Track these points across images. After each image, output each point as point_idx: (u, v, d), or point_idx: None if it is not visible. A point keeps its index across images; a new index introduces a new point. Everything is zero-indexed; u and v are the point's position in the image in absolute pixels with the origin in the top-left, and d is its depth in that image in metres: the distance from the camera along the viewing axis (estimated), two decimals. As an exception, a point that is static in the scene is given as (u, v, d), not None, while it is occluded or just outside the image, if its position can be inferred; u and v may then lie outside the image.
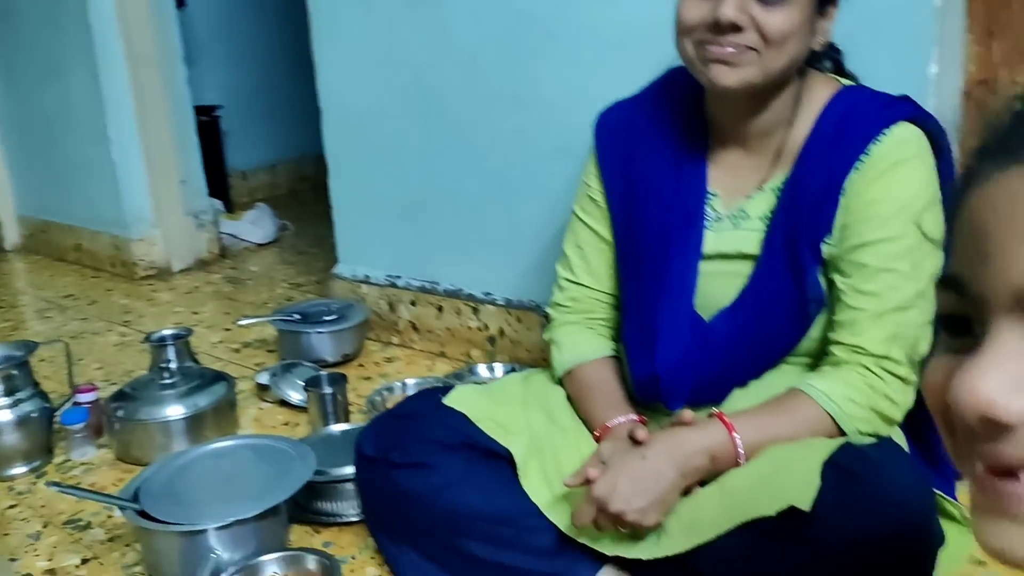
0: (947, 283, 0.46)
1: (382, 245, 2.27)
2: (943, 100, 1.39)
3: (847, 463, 0.99)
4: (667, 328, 1.23)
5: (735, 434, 1.09)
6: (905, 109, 1.15)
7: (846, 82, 1.23)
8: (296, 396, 1.96)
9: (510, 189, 1.94)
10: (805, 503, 0.95)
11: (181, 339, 1.91)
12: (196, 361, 1.98)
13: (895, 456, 1.09)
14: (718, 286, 1.23)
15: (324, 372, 1.93)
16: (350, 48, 2.15)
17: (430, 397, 1.32)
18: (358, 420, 1.83)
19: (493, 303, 2.06)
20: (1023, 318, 0.42)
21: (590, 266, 1.35)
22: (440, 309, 2.17)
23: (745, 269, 1.21)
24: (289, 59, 4.00)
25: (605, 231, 1.33)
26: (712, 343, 1.21)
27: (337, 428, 1.79)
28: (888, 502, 0.96)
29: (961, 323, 0.45)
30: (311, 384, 1.85)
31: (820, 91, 1.19)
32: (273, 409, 1.99)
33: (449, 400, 1.27)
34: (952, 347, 0.46)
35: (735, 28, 1.07)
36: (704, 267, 1.23)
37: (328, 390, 1.82)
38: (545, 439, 1.26)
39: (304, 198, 4.17)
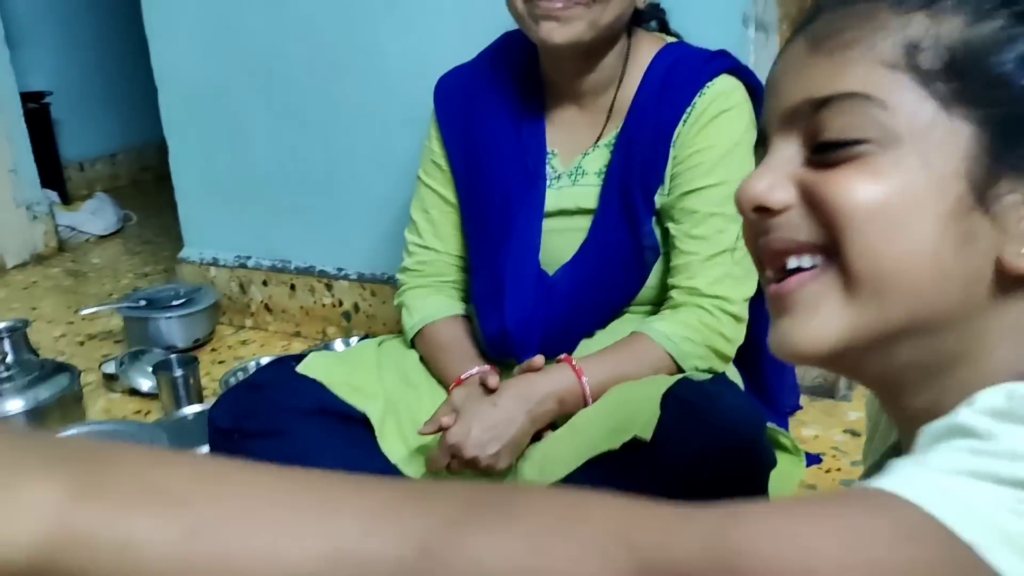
0: (759, 139, 0.58)
1: (230, 226, 2.21)
2: (759, 53, 1.48)
3: (685, 395, 1.05)
4: (514, 284, 1.26)
5: (583, 378, 1.14)
6: (725, 62, 1.22)
7: (671, 39, 1.29)
8: (146, 383, 1.90)
9: (357, 162, 1.93)
10: (646, 433, 1.01)
11: (17, 331, 1.82)
12: (36, 355, 1.89)
13: (729, 389, 1.16)
14: (561, 242, 1.27)
15: (174, 355, 1.88)
16: (184, 23, 2.08)
17: (284, 366, 1.30)
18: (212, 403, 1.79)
19: (346, 278, 2.05)
20: (788, 131, 0.55)
21: (437, 229, 1.37)
22: (293, 288, 2.14)
23: (585, 224, 1.26)
24: (124, 41, 3.80)
25: (450, 194, 1.36)
26: (557, 296, 1.26)
27: (190, 410, 1.75)
28: (722, 429, 1.03)
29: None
30: (160, 368, 1.79)
31: (646, 48, 1.25)
32: (123, 399, 1.92)
33: (303, 367, 1.26)
34: None
35: None
36: (546, 224, 1.27)
37: (179, 372, 1.77)
38: (400, 400, 1.27)
39: (148, 188, 4.00)
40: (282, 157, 2.05)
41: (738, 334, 1.20)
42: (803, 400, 1.62)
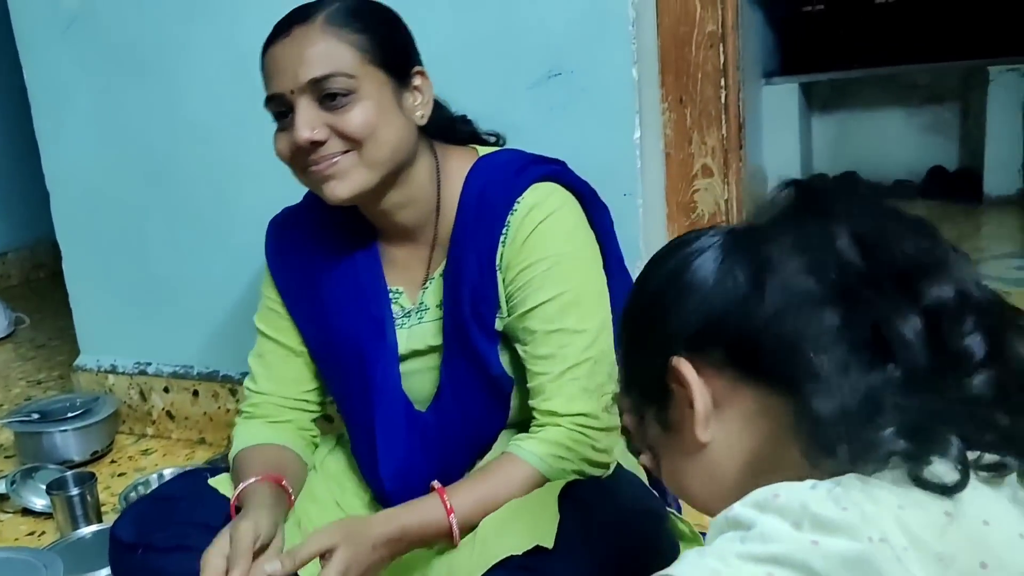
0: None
1: (128, 332, 2.17)
2: (647, 161, 1.56)
3: (581, 495, 1.06)
4: (383, 436, 1.23)
5: (451, 516, 1.09)
6: (535, 171, 1.19)
7: (485, 149, 1.25)
8: (40, 502, 1.82)
9: (257, 264, 1.92)
10: (548, 540, 1.02)
11: None
12: (-85, 477, 1.79)
13: (626, 482, 1.18)
14: (422, 381, 1.25)
15: (70, 472, 1.81)
16: (76, 124, 2.06)
17: (195, 478, 1.27)
18: (112, 520, 1.72)
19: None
20: None
21: (272, 373, 1.32)
22: (196, 394, 2.10)
23: (438, 360, 1.24)
24: (11, 139, 3.72)
25: (289, 340, 1.31)
26: (429, 433, 1.24)
27: (88, 530, 1.68)
28: (622, 526, 1.04)
29: None
30: (55, 487, 1.72)
31: (458, 166, 1.21)
32: (14, 519, 1.83)
33: (215, 482, 1.24)
34: None
35: (318, 143, 1.09)
36: (405, 366, 1.25)
37: (75, 491, 1.71)
38: (304, 515, 1.25)
39: (41, 288, 3.88)
40: (181, 260, 2.03)
41: (611, 441, 1.17)
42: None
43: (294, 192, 1.87)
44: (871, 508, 0.52)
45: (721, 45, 1.53)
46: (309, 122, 1.09)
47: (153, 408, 2.16)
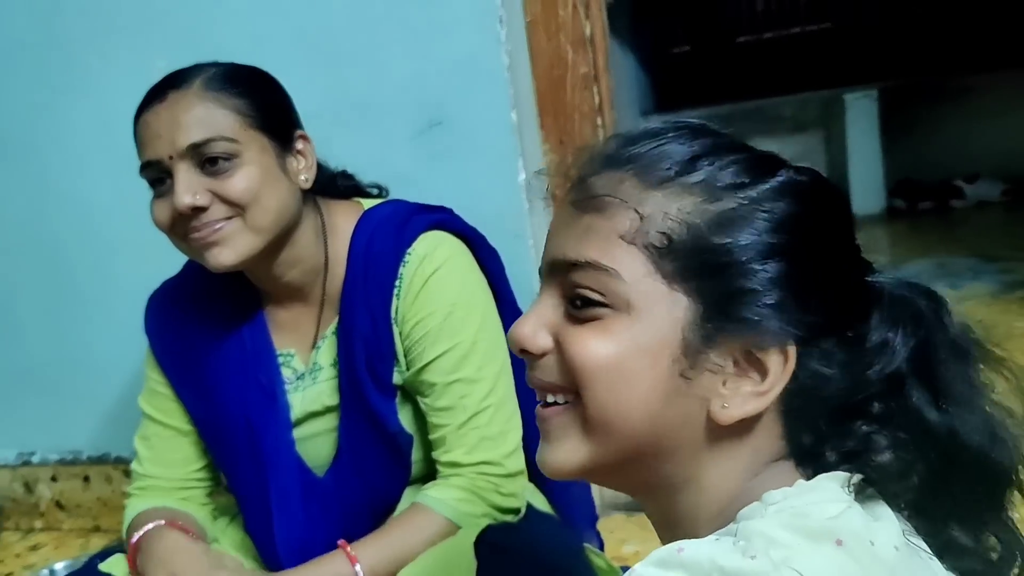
0: (565, 265, 0.62)
1: (8, 421, 2.04)
2: (534, 201, 1.58)
3: (497, 539, 1.05)
4: (279, 506, 1.20)
5: (356, 566, 1.08)
6: (422, 221, 1.19)
7: (370, 202, 1.25)
8: (-83, 614, 1.69)
9: (143, 339, 1.86)
10: (469, 587, 1.01)
11: None
12: None
13: (540, 521, 1.18)
14: (319, 445, 1.23)
15: (-51, 578, 1.68)
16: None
17: (86, 570, 1.21)
18: (0, 624, 1.61)
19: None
20: (552, 281, 0.62)
21: (159, 456, 1.29)
22: (87, 479, 1.99)
23: (336, 421, 1.21)
24: None
25: (175, 420, 1.27)
26: (329, 499, 1.21)
27: (-27, 639, 1.57)
28: (541, 565, 1.05)
29: None
30: (-66, 595, 1.60)
31: (344, 221, 1.20)
32: None
33: (106, 566, 1.18)
34: None
35: (200, 209, 1.07)
36: (300, 431, 1.22)
37: (-44, 597, 1.59)
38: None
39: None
40: (60, 340, 1.93)
41: (516, 486, 1.16)
42: (620, 517, 1.67)
43: (177, 263, 1.83)
44: (777, 553, 0.51)
45: (595, 86, 1.58)
46: (190, 187, 1.06)
47: (40, 499, 2.04)
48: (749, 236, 0.58)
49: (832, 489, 0.57)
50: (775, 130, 4.66)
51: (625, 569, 1.36)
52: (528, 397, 1.22)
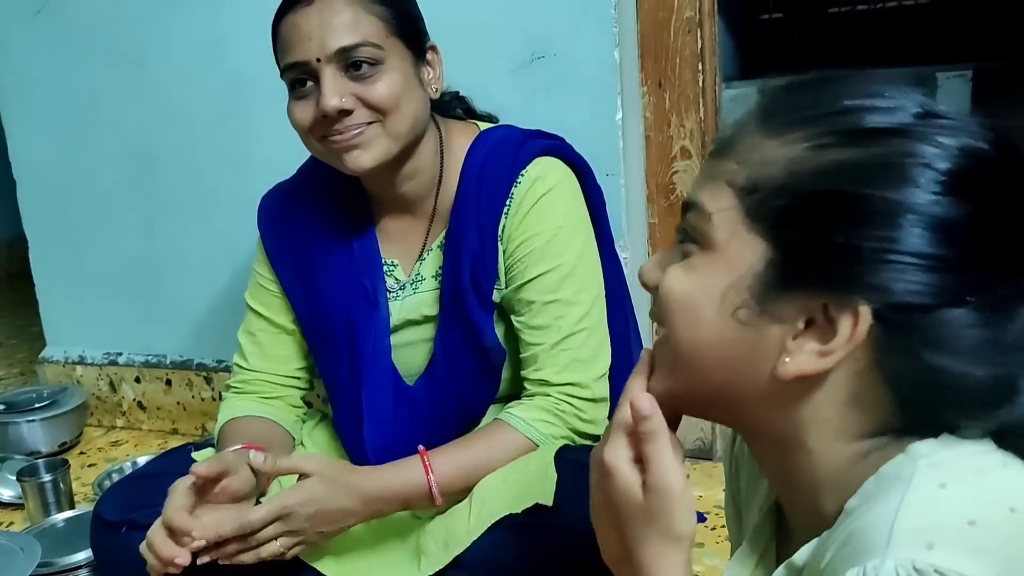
0: (684, 206, 0.64)
1: (98, 322, 2.13)
2: (628, 142, 1.59)
3: (576, 457, 1.08)
4: (370, 410, 1.24)
5: (431, 477, 1.10)
6: (537, 145, 1.21)
7: (485, 125, 1.28)
8: (8, 492, 1.79)
9: (237, 250, 1.91)
10: (547, 499, 1.03)
11: None
12: None
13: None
14: (414, 353, 1.26)
15: (41, 460, 1.78)
16: (47, 112, 2.03)
17: (180, 453, 1.27)
18: (86, 508, 1.69)
19: (227, 370, 2.00)
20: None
21: (264, 351, 1.32)
22: (169, 383, 2.07)
23: (433, 332, 1.25)
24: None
25: (281, 318, 1.31)
26: (419, 407, 1.25)
27: (61, 517, 1.66)
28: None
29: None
30: (26, 474, 1.69)
31: (460, 140, 1.23)
32: (-19, 511, 1.79)
33: (200, 455, 1.23)
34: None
35: (345, 112, 1.09)
36: (397, 338, 1.26)
37: (47, 477, 1.68)
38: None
39: (-5, 289, 3.79)
40: (155, 248, 2.01)
41: (599, 412, 1.18)
42: (685, 463, 1.68)
43: (272, 179, 1.88)
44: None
45: (699, 31, 1.57)
46: (337, 90, 1.09)
47: (123, 399, 2.13)
48: (876, 188, 0.55)
49: (982, 443, 0.56)
50: (861, 105, 4.56)
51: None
52: (617, 332, 1.24)
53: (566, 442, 1.16)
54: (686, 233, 0.62)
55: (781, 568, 0.63)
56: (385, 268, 1.27)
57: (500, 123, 1.34)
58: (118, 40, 1.91)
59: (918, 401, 0.57)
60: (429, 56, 1.19)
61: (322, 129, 1.12)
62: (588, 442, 1.19)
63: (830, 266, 0.56)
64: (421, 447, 1.14)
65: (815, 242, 0.56)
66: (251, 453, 1.04)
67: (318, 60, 1.09)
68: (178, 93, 1.88)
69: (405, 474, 1.11)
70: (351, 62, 1.10)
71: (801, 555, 0.60)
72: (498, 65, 1.59)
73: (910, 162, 0.55)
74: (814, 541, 0.60)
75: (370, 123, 1.12)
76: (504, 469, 1.12)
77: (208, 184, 1.91)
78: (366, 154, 1.12)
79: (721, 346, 0.59)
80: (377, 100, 1.11)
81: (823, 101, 0.59)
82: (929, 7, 4.89)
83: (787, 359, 0.57)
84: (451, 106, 1.30)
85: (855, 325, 0.55)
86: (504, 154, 1.20)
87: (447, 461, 1.12)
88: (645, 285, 0.65)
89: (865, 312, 0.55)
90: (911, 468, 0.54)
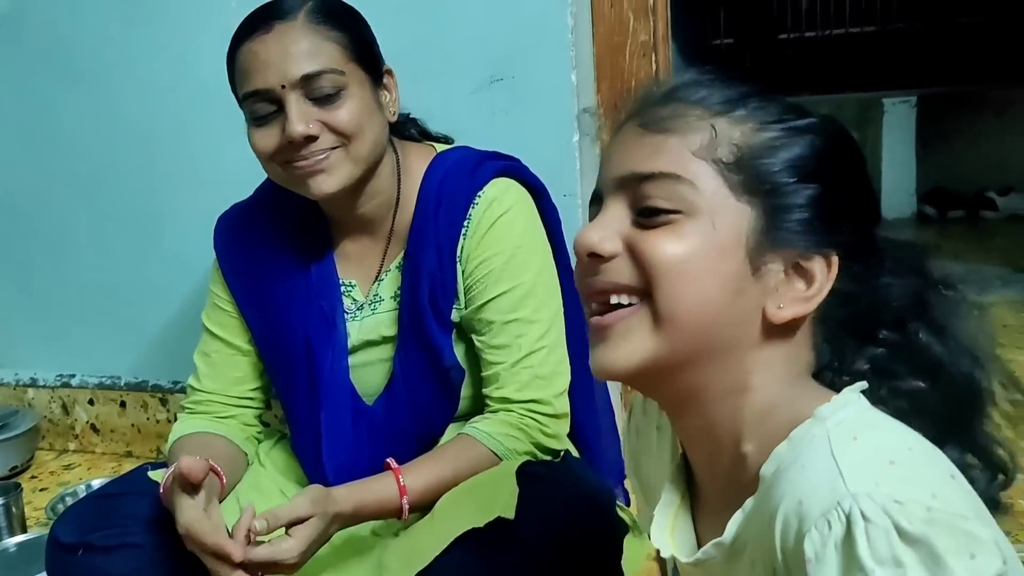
0: (594, 198, 0.71)
1: (50, 343, 2.10)
2: (585, 163, 1.62)
3: (538, 471, 1.09)
4: (329, 432, 1.24)
5: (404, 498, 1.11)
6: (493, 166, 1.23)
7: (441, 146, 1.30)
8: (-44, 517, 1.74)
9: (194, 270, 1.90)
10: (509, 512, 1.04)
11: None
12: None
13: (575, 462, 1.22)
14: (373, 373, 1.27)
15: (-8, 483, 1.74)
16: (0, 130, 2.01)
17: (134, 474, 1.25)
18: (39, 532, 1.66)
19: (183, 391, 1.97)
20: (618, 195, 0.68)
21: (218, 372, 1.32)
22: (123, 405, 2.05)
23: (391, 351, 1.25)
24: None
25: (236, 339, 1.31)
26: (377, 426, 1.25)
27: (14, 541, 1.62)
28: (579, 498, 1.08)
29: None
30: (-23, 498, 1.66)
31: (416, 161, 1.25)
32: (-73, 537, 1.75)
33: (155, 475, 1.22)
34: None
35: (311, 138, 1.10)
36: (356, 358, 1.26)
37: (-1, 501, 1.65)
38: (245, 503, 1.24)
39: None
40: (110, 267, 1.99)
41: (561, 427, 1.21)
42: (643, 477, 1.70)
43: (235, 197, 1.88)
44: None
45: (653, 54, 1.61)
46: (304, 117, 1.10)
47: (76, 421, 2.10)
48: (794, 160, 0.66)
49: (861, 403, 0.65)
50: (811, 129, 4.67)
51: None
52: (575, 348, 1.26)
53: (529, 457, 1.17)
54: (653, 206, 0.66)
55: (711, 547, 0.68)
56: (343, 288, 1.28)
57: (456, 144, 1.35)
58: (76, 59, 1.90)
59: (833, 335, 0.69)
60: (386, 80, 1.21)
61: (286, 155, 1.13)
62: (549, 457, 1.21)
63: (807, 223, 0.66)
64: (394, 464, 1.14)
65: (786, 206, 0.66)
66: (255, 522, 1.02)
67: (282, 87, 1.10)
68: (137, 112, 1.88)
69: (378, 492, 1.12)
70: (315, 88, 1.11)
71: (729, 530, 0.66)
72: (458, 87, 1.61)
73: (814, 140, 0.67)
74: (739, 514, 0.66)
75: (334, 148, 1.13)
76: (465, 484, 1.13)
77: (166, 204, 1.90)
78: (331, 179, 1.13)
79: (721, 301, 0.65)
80: (342, 125, 1.12)
81: (728, 92, 0.69)
82: (876, 35, 5.04)
83: (780, 305, 0.66)
84: (406, 127, 1.32)
85: (828, 270, 0.66)
86: (461, 175, 1.22)
87: (418, 478, 1.13)
88: (597, 255, 0.68)
89: (834, 258, 0.66)
90: (822, 428, 0.62)
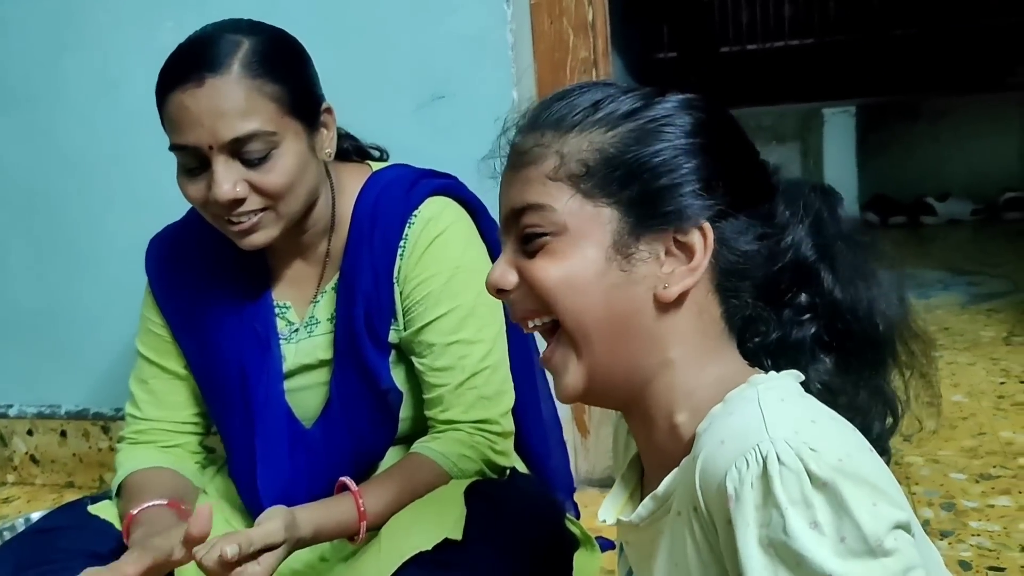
0: (514, 213, 0.74)
1: (-15, 373, 2.04)
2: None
3: (487, 489, 1.09)
4: (264, 455, 1.21)
5: (363, 522, 1.08)
6: (428, 185, 1.21)
7: (376, 165, 1.27)
8: None
9: (133, 295, 1.84)
10: (456, 533, 1.03)
11: None
12: None
13: (524, 479, 1.21)
14: (310, 397, 1.24)
15: (-76, 521, 1.68)
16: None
17: (75, 508, 1.22)
18: (-27, 569, 1.61)
19: (124, 419, 1.94)
20: (508, 230, 0.74)
21: (158, 398, 1.29)
22: (64, 434, 2.00)
23: (328, 374, 1.23)
24: None
25: (172, 363, 1.29)
26: (315, 450, 1.23)
27: (-54, 582, 1.57)
28: (528, 516, 1.08)
29: None
30: (-91, 536, 1.60)
31: (351, 182, 1.22)
32: None
33: (96, 508, 1.19)
34: None
35: (238, 201, 1.08)
36: (293, 382, 1.24)
37: (-68, 539, 1.59)
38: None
39: None
40: (47, 294, 1.94)
41: (508, 445, 1.20)
42: (595, 492, 1.71)
43: (172, 220, 1.84)
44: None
45: (594, 70, 1.62)
46: (231, 179, 1.06)
47: (15, 453, 2.04)
48: (653, 146, 0.70)
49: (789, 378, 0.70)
50: (754, 140, 4.74)
51: (599, 539, 1.40)
52: (519, 368, 1.26)
53: (478, 477, 1.16)
54: (529, 233, 0.71)
55: (647, 500, 0.72)
56: (277, 310, 1.25)
57: (391, 160, 1.34)
58: (7, 82, 1.86)
59: (731, 297, 0.73)
60: (324, 118, 1.17)
61: (214, 210, 1.10)
62: (498, 475, 1.20)
63: (664, 205, 0.70)
64: (353, 486, 1.10)
65: (649, 192, 0.70)
66: (226, 548, 0.95)
67: (210, 148, 1.06)
68: (71, 136, 1.84)
69: (338, 517, 1.08)
70: (244, 152, 1.07)
71: (664, 485, 0.70)
72: (400, 105, 1.61)
73: (664, 122, 0.72)
74: (675, 471, 0.70)
75: (264, 209, 1.10)
76: (412, 505, 1.12)
77: (103, 228, 1.86)
78: (260, 236, 1.11)
79: (611, 303, 0.70)
80: (271, 188, 1.08)
81: (583, 102, 0.73)
82: (815, 47, 5.15)
83: (666, 285, 0.70)
84: (340, 142, 1.28)
85: (704, 239, 0.70)
86: (396, 195, 1.20)
87: (377, 501, 1.10)
88: (502, 290, 0.74)
89: (707, 227, 0.70)
90: (753, 391, 0.66)
